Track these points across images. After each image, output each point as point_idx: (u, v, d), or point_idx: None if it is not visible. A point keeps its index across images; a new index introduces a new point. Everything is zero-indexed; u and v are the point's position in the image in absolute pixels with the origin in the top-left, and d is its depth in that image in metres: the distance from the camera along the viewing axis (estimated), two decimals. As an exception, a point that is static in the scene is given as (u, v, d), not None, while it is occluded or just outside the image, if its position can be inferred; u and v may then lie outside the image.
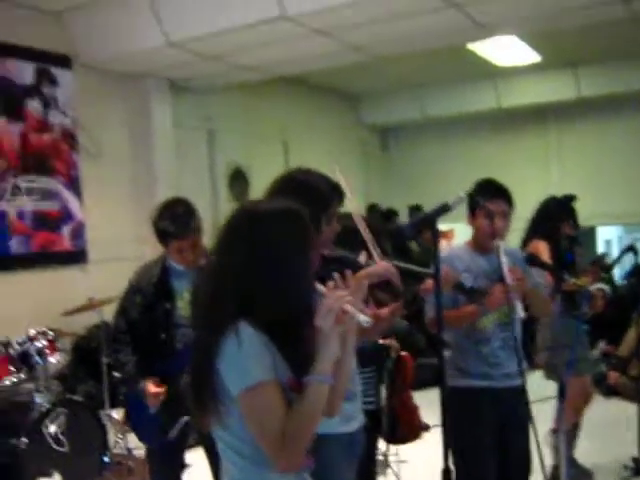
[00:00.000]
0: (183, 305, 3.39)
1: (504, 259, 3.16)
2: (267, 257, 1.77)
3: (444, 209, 1.99)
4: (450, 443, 2.04)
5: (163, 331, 3.37)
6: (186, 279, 3.39)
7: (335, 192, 2.51)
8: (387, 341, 4.16)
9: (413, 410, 5.47)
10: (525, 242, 4.41)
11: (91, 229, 6.84)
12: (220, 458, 1.87)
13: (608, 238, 14.60)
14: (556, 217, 4.47)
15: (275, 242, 1.78)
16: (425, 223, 2.01)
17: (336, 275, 1.82)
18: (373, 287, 2.40)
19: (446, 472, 1.95)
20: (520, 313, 3.20)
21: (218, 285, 1.79)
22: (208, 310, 1.81)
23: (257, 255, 1.77)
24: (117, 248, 6.89)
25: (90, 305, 5.27)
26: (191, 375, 1.82)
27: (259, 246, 1.77)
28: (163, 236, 3.36)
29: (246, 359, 1.70)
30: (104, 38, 6.48)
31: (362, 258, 2.46)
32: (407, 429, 4.55)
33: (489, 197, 3.28)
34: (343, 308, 1.75)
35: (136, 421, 3.54)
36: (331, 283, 1.80)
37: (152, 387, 3.29)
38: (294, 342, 1.79)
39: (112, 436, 5.24)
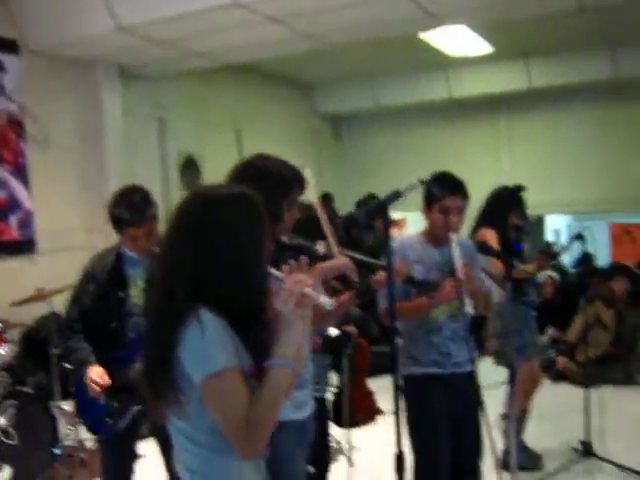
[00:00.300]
0: (136, 293, 3.36)
1: (457, 253, 3.19)
2: (220, 241, 1.75)
3: (396, 196, 2.00)
4: (404, 429, 2.05)
5: (115, 320, 3.33)
6: (140, 267, 3.35)
7: (296, 178, 2.50)
8: (348, 328, 4.21)
9: (369, 394, 5.57)
10: (474, 231, 4.47)
11: (40, 218, 6.70)
12: (172, 448, 1.85)
13: (557, 227, 14.88)
14: (505, 207, 4.53)
15: (228, 226, 1.76)
16: (377, 210, 2.01)
17: (291, 261, 1.81)
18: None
19: (399, 457, 1.96)
20: (469, 309, 3.24)
21: (172, 271, 1.77)
22: (163, 297, 1.77)
23: (210, 240, 1.75)
24: (67, 238, 6.77)
25: (39, 296, 5.17)
26: (146, 364, 1.79)
27: (212, 230, 1.76)
28: (118, 223, 3.31)
29: (209, 345, 1.67)
30: (52, 23, 6.33)
31: (320, 247, 2.46)
32: (364, 412, 4.64)
33: (446, 193, 3.28)
34: (304, 292, 1.74)
35: (85, 411, 3.49)
36: (286, 267, 1.79)
37: (93, 374, 3.25)
38: (252, 327, 1.77)
39: (63, 428, 5.16)
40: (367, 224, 3.46)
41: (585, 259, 9.74)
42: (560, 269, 9.91)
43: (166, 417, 1.80)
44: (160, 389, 1.73)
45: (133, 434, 3.52)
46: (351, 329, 4.22)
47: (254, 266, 1.79)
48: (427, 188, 3.27)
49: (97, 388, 3.23)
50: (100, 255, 3.49)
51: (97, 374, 3.25)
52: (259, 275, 1.79)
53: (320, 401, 3.32)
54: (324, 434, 3.84)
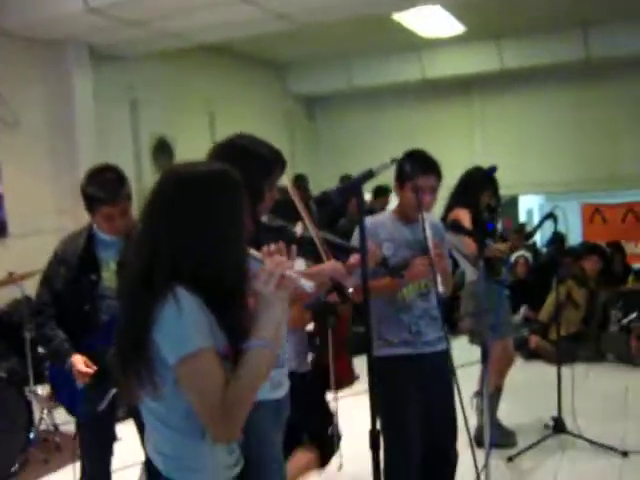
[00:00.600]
0: (109, 276, 3.30)
1: (429, 232, 3.17)
2: (198, 220, 1.71)
3: (369, 175, 1.99)
4: (377, 409, 2.07)
5: (88, 303, 3.29)
6: (113, 249, 3.29)
7: (277, 159, 2.48)
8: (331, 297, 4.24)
9: (347, 360, 5.85)
10: (447, 211, 4.48)
11: (10, 201, 6.63)
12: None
13: (530, 207, 15.00)
14: (477, 187, 4.56)
15: (206, 204, 1.73)
16: (350, 189, 2.01)
17: (272, 244, 1.80)
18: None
19: (373, 432, 1.98)
20: (441, 287, 3.24)
21: (148, 250, 1.72)
22: (138, 277, 1.73)
23: (187, 218, 1.71)
24: (37, 221, 6.71)
25: (10, 279, 5.11)
26: (118, 345, 1.75)
27: (188, 209, 1.72)
28: (91, 202, 3.24)
29: (186, 326, 1.64)
30: (21, 3, 6.23)
31: (298, 229, 2.45)
32: (343, 376, 4.76)
33: (419, 172, 3.25)
34: (284, 274, 1.72)
35: (63, 395, 3.46)
36: (266, 249, 1.77)
37: (81, 366, 3.22)
38: (229, 308, 1.75)
39: (38, 413, 5.13)
40: (340, 203, 3.43)
41: (556, 238, 9.83)
42: (533, 249, 10.01)
43: (139, 398, 1.77)
44: (134, 370, 1.69)
45: (111, 416, 3.50)
46: (334, 298, 4.25)
47: (233, 245, 1.76)
48: (400, 166, 3.24)
49: (85, 378, 3.22)
50: (70, 237, 3.42)
51: (82, 363, 3.22)
52: (238, 255, 1.76)
53: (303, 376, 3.35)
54: (322, 400, 3.85)
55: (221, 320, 1.73)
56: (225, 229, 1.74)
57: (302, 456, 3.54)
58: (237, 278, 1.75)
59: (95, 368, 3.22)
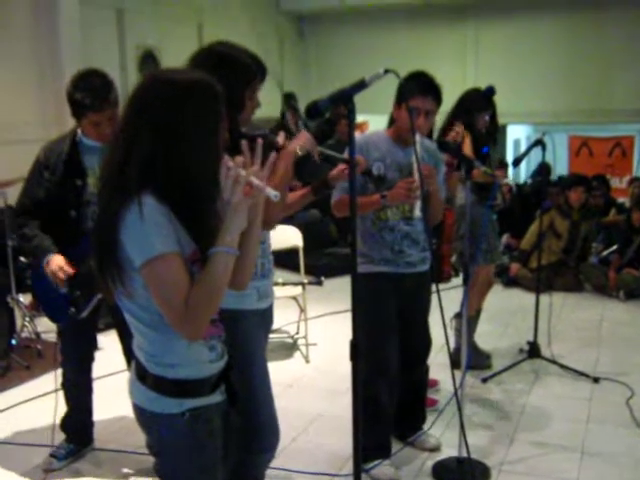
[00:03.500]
0: (94, 182, 3.25)
1: (420, 154, 3.12)
2: (169, 127, 1.72)
3: (361, 85, 1.95)
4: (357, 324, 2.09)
5: (73, 208, 3.26)
6: (98, 155, 3.23)
7: (258, 67, 2.43)
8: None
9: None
10: (444, 131, 4.42)
11: (-8, 108, 6.51)
12: (131, 336, 1.88)
13: (517, 137, 14.96)
14: (474, 107, 4.48)
15: (179, 112, 1.73)
16: (341, 98, 1.98)
17: (244, 144, 1.79)
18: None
19: (354, 345, 2.01)
20: (417, 212, 3.23)
21: (122, 155, 1.74)
22: (109, 180, 1.77)
23: (162, 124, 1.72)
24: (21, 130, 6.60)
25: (-8, 187, 5.05)
26: (94, 247, 1.80)
27: (161, 114, 1.72)
28: (78, 108, 3.18)
29: (147, 230, 1.68)
30: None
31: (280, 138, 2.42)
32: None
33: (417, 92, 3.20)
34: (249, 181, 1.74)
35: (45, 300, 3.47)
36: (239, 158, 1.76)
37: (54, 265, 3.20)
38: (198, 214, 1.78)
39: (20, 320, 5.17)
40: (329, 112, 3.35)
41: (542, 169, 9.83)
42: (516, 183, 10.02)
43: (116, 297, 1.83)
44: (107, 270, 1.75)
45: (93, 323, 3.53)
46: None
47: (207, 153, 1.76)
48: (400, 85, 3.19)
49: (59, 278, 3.21)
50: (53, 143, 3.35)
51: (58, 264, 3.21)
52: (211, 163, 1.76)
53: None
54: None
55: (191, 226, 1.77)
56: (198, 137, 1.75)
57: None
58: (210, 186, 1.77)
59: (71, 271, 3.22)
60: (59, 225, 3.28)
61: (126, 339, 3.37)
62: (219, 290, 1.75)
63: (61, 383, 3.60)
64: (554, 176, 8.87)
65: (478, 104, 4.50)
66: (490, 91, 4.53)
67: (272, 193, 1.74)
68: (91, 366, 3.64)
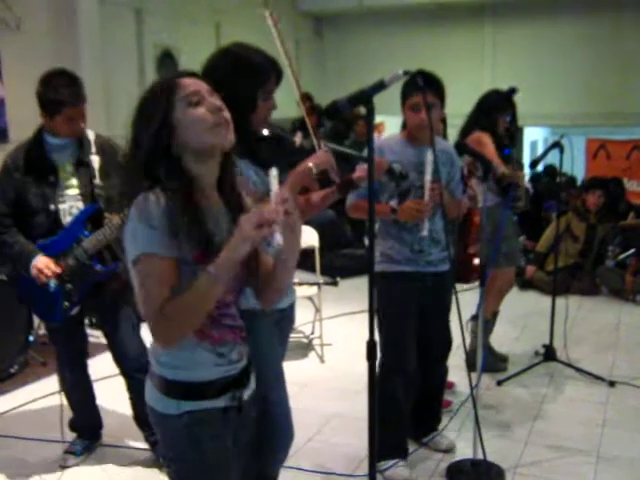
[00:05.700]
0: (66, 177, 3.36)
1: (429, 168, 3.14)
2: (159, 129, 1.75)
3: (380, 86, 1.95)
4: (375, 324, 2.09)
5: (52, 203, 3.32)
6: (66, 151, 3.36)
7: (273, 68, 2.43)
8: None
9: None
10: (465, 133, 4.40)
11: (11, 107, 6.52)
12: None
13: (534, 139, 14.89)
14: (495, 109, 4.45)
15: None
16: (361, 99, 1.98)
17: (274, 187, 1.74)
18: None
19: (371, 345, 2.01)
20: (425, 232, 3.27)
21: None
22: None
23: (150, 126, 1.75)
24: (39, 127, 6.63)
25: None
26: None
27: (157, 117, 1.75)
28: (55, 106, 3.25)
29: (140, 229, 1.69)
30: None
31: (297, 139, 2.41)
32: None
33: (414, 89, 3.23)
34: (274, 230, 1.66)
35: (34, 299, 3.50)
36: (279, 194, 1.69)
37: (40, 264, 3.27)
38: (200, 219, 1.76)
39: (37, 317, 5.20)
40: (348, 113, 3.34)
41: (548, 171, 9.80)
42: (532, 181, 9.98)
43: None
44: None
45: (81, 319, 3.61)
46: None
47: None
48: (402, 86, 3.25)
49: (44, 277, 3.27)
50: (18, 148, 3.42)
51: (43, 264, 3.28)
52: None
53: None
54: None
55: (190, 228, 1.73)
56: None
57: None
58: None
59: (57, 270, 3.30)
60: (38, 221, 3.34)
61: (114, 341, 3.45)
62: (196, 310, 1.70)
63: (60, 388, 3.65)
64: (571, 177, 8.81)
65: (499, 105, 4.48)
66: (513, 91, 4.51)
67: (278, 239, 1.66)
68: (85, 362, 3.70)
